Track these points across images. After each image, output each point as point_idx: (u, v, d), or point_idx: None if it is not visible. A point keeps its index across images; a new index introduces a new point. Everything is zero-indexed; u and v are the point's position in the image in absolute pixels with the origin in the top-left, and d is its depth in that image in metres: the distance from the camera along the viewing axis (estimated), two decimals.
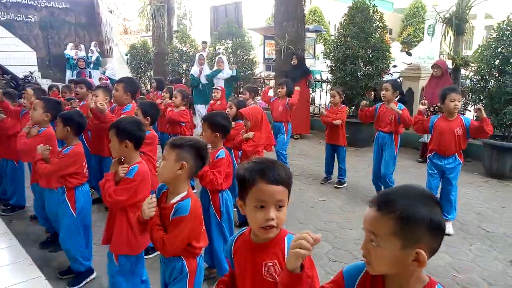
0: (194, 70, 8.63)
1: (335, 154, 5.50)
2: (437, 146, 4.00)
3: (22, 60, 13.87)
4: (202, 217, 2.10)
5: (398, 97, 4.63)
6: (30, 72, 13.14)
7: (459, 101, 3.83)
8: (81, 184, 3.05)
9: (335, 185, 5.44)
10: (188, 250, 2.01)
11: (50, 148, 3.06)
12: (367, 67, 7.51)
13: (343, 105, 5.45)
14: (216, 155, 2.96)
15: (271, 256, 1.44)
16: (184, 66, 12.57)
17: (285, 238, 1.45)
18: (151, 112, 3.54)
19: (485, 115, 3.76)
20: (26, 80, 12.45)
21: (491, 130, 3.81)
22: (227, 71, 8.65)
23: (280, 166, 1.43)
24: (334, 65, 7.78)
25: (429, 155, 4.15)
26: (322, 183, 5.51)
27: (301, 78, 7.90)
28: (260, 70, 13.37)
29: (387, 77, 7.92)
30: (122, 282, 2.45)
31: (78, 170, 3.02)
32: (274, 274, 1.42)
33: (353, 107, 7.90)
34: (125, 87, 4.08)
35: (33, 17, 15.41)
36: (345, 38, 7.50)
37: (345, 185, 5.44)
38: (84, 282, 3.13)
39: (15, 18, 14.94)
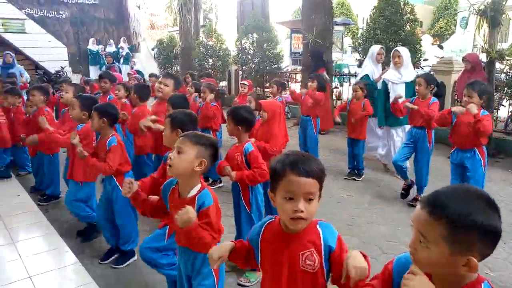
0: (370, 70, 5.86)
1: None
2: (454, 138, 3.91)
3: (53, 55, 14.35)
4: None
5: (433, 90, 4.51)
6: (61, 67, 13.57)
7: (472, 97, 3.63)
8: (128, 170, 3.29)
9: (354, 178, 5.48)
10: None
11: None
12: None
13: (366, 99, 5.39)
14: (245, 149, 2.95)
15: (307, 245, 1.44)
16: (211, 60, 12.68)
17: (317, 226, 1.47)
18: (182, 105, 3.59)
19: (475, 111, 3.51)
20: (58, 75, 12.86)
21: (486, 129, 3.57)
22: (410, 71, 5.48)
23: (311, 159, 1.44)
24: (363, 58, 7.67)
25: (451, 151, 4.06)
26: (346, 178, 5.48)
27: (314, 71, 7.85)
28: (286, 64, 13.32)
29: (418, 71, 7.75)
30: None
31: (126, 157, 3.28)
32: (312, 263, 1.43)
33: None
34: (174, 83, 4.21)
35: (64, 13, 15.88)
36: (375, 31, 7.38)
37: (363, 177, 5.50)
38: (127, 263, 3.33)
39: (47, 15, 15.44)
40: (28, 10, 14.70)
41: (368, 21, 7.88)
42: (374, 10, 7.59)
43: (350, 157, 5.58)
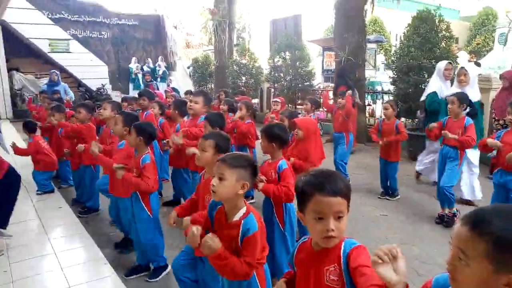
0: (438, 87, 5.36)
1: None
2: (498, 159, 3.75)
3: (95, 73, 15.06)
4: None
5: (467, 110, 4.41)
6: (102, 84, 14.20)
7: None
8: (156, 190, 3.29)
9: (386, 197, 5.39)
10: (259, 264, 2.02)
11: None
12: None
13: (398, 120, 5.31)
14: (279, 166, 2.98)
15: (331, 261, 1.48)
16: (244, 78, 12.91)
17: (342, 242, 1.49)
18: (218, 123, 3.70)
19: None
20: (99, 92, 13.45)
21: None
22: (476, 91, 5.08)
23: (338, 177, 1.47)
24: (396, 76, 7.61)
25: (494, 171, 3.92)
26: (379, 198, 5.40)
27: (336, 88, 7.97)
28: (318, 81, 13.36)
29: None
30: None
31: (157, 177, 3.31)
32: (336, 278, 1.46)
33: (416, 119, 7.67)
34: (204, 100, 4.31)
35: (106, 33, 16.65)
36: (409, 49, 7.32)
37: (398, 197, 5.37)
38: (161, 276, 3.36)
39: (90, 35, 16.23)
40: (72, 31, 15.51)
41: (402, 38, 7.83)
42: (408, 28, 7.54)
43: (382, 176, 5.48)
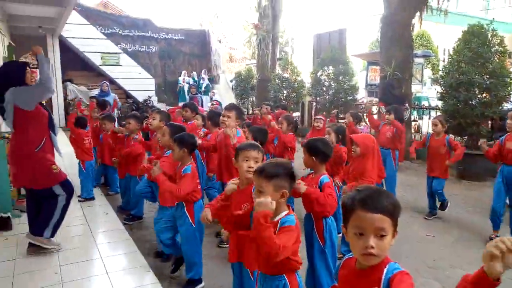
0: None
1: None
2: None
3: (142, 86, 15.67)
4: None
5: None
6: (148, 96, 14.73)
7: None
8: (198, 199, 3.33)
9: (425, 216, 5.20)
10: (290, 265, 2.03)
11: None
12: (484, 95, 6.95)
13: (449, 136, 5.10)
14: (321, 180, 2.96)
15: (371, 283, 1.43)
16: (285, 92, 12.95)
17: (386, 266, 1.43)
18: (260, 137, 3.72)
19: None
20: (145, 104, 13.94)
21: None
22: None
23: (383, 194, 1.44)
24: (445, 91, 7.34)
25: None
26: (426, 218, 5.19)
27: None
28: (362, 95, 13.16)
29: (507, 106, 7.24)
30: None
31: (198, 186, 3.34)
32: None
33: (466, 137, 7.35)
34: (237, 114, 4.37)
35: (153, 47, 17.29)
36: (459, 64, 7.07)
37: (449, 205, 5.17)
38: None
39: (139, 49, 16.92)
40: (123, 45, 16.25)
41: (452, 53, 7.58)
42: (458, 42, 7.29)
43: (429, 196, 5.27)
